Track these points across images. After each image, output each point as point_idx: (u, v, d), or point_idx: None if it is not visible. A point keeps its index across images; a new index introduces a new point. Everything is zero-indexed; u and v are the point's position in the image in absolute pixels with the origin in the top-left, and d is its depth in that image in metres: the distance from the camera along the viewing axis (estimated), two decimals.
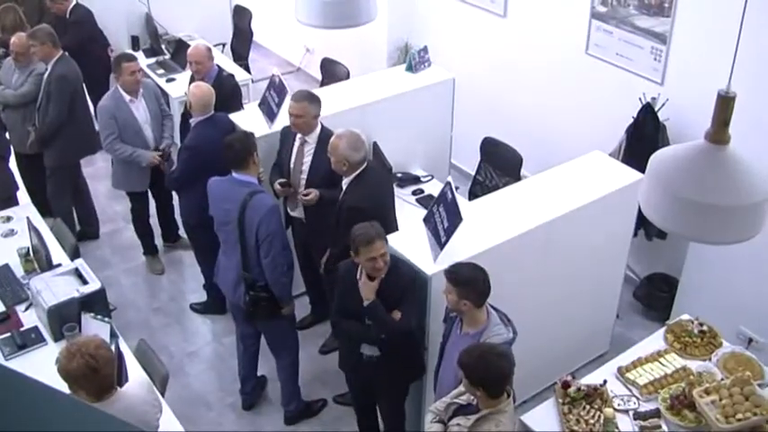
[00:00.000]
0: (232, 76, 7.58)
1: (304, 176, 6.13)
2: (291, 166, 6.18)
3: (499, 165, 7.14)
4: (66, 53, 7.52)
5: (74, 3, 9.07)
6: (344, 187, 5.68)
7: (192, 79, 7.30)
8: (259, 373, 6.41)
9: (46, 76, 7.35)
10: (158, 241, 8.01)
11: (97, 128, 7.29)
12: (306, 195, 6.04)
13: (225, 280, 5.84)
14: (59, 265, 5.89)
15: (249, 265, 5.54)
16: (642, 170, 5.40)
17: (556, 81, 7.66)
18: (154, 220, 7.91)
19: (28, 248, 6.04)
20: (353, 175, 5.64)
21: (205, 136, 6.37)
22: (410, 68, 7.43)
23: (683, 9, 6.31)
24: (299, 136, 6.13)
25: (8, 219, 6.74)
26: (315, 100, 6.10)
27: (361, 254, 4.79)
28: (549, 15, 7.55)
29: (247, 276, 5.55)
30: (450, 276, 4.51)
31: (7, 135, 7.61)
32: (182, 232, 7.74)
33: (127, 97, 7.04)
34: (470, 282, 4.46)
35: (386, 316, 4.85)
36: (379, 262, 4.79)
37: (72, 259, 6.02)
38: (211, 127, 6.44)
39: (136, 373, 4.90)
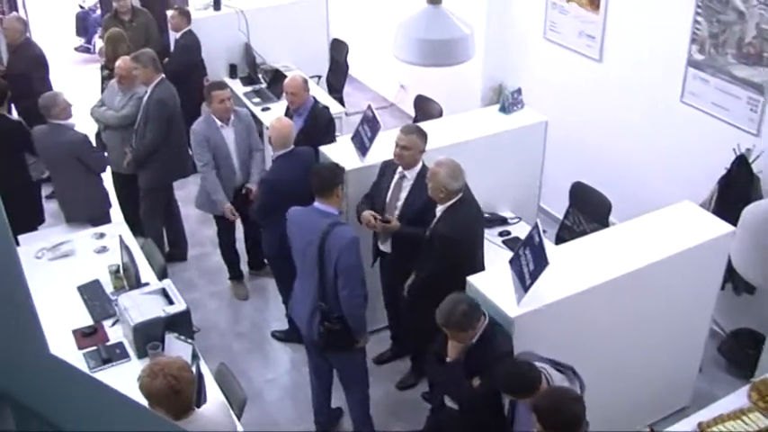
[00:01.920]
0: (327, 108, 7.66)
1: (397, 212, 6.13)
2: (387, 199, 6.17)
3: (588, 210, 7.07)
4: (166, 78, 7.71)
5: (187, 28, 9.32)
6: (438, 214, 5.68)
7: (288, 110, 7.41)
8: (335, 405, 6.41)
9: (145, 99, 7.53)
10: (244, 267, 8.10)
11: (191, 152, 7.44)
12: (387, 221, 6.06)
13: (299, 310, 5.85)
14: (147, 284, 6.01)
15: (325, 296, 5.54)
16: (733, 222, 5.36)
17: (649, 128, 7.57)
18: (241, 246, 8.00)
19: (118, 266, 6.17)
20: (448, 203, 5.64)
21: (285, 170, 6.45)
22: (503, 109, 7.43)
23: None
24: (399, 170, 6.14)
25: (101, 235, 6.90)
26: (423, 135, 6.11)
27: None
28: (645, 61, 7.48)
29: (323, 307, 5.56)
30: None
31: (105, 154, 7.82)
32: None
33: (218, 123, 7.17)
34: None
35: (461, 380, 4.79)
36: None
37: (160, 279, 6.13)
38: (292, 161, 6.51)
39: (214, 396, 4.96)
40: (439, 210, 5.70)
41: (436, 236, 5.61)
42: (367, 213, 6.10)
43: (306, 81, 7.48)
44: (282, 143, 6.55)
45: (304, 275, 5.74)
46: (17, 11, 11.73)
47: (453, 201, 5.63)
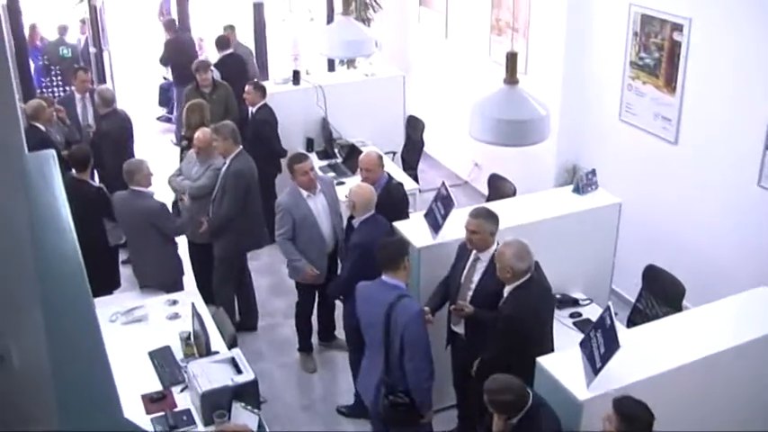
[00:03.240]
0: (401, 184, 7.72)
1: (470, 293, 6.09)
2: (461, 281, 6.14)
3: (661, 294, 6.97)
4: (244, 150, 7.85)
5: (262, 102, 9.51)
6: (505, 295, 5.66)
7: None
8: None
9: (224, 170, 7.67)
10: (314, 339, 8.12)
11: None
12: (461, 309, 6.04)
13: (365, 384, 5.85)
14: (217, 352, 6.06)
15: (391, 369, 5.53)
16: None
17: (724, 211, 7.49)
18: (313, 317, 8.02)
19: (189, 333, 6.24)
20: (516, 284, 5.61)
21: (370, 234, 6.50)
22: (577, 190, 7.40)
23: None
24: (474, 252, 6.13)
25: (174, 302, 7.00)
26: (492, 217, 6.07)
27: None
28: (721, 145, 7.42)
29: (388, 381, 5.54)
30: (618, 409, 4.39)
31: (181, 222, 7.95)
32: (338, 332, 7.82)
33: (305, 193, 7.26)
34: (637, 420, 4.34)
35: None
36: None
37: (229, 348, 6.18)
38: (375, 226, 6.59)
39: None
40: (506, 290, 5.67)
41: (502, 316, 5.58)
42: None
43: (381, 157, 7.56)
44: (366, 208, 6.65)
45: (371, 348, 5.75)
46: (105, 82, 12.13)
47: (521, 281, 5.61)
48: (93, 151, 8.33)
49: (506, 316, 5.54)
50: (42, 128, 8.80)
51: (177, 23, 13.49)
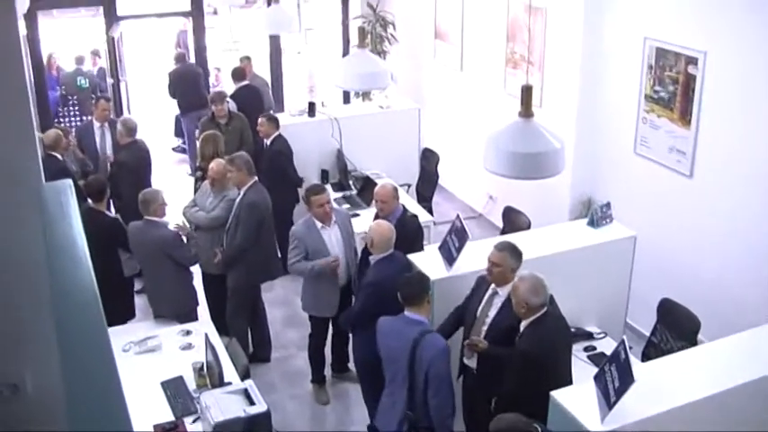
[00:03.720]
0: (415, 216, 7.74)
1: (485, 327, 6.06)
2: (477, 315, 6.12)
3: (676, 328, 6.93)
4: (258, 181, 7.88)
5: (276, 134, 9.55)
6: (521, 330, 5.64)
7: (377, 216, 7.49)
8: None
9: (238, 201, 7.70)
10: (327, 371, 8.10)
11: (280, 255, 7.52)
12: (475, 344, 6.02)
13: (387, 419, 5.80)
14: (230, 383, 6.06)
15: (414, 405, 5.52)
16: None
17: (740, 245, 7.46)
18: (327, 348, 7.99)
19: (203, 364, 6.24)
20: (531, 318, 5.59)
21: (385, 273, 6.47)
22: (592, 223, 7.39)
23: None
24: (492, 286, 6.12)
25: (187, 332, 7.01)
26: (516, 253, 6.06)
27: None
28: (737, 178, 7.41)
29: (411, 416, 5.52)
30: None
31: (194, 252, 7.96)
32: (351, 365, 7.80)
33: (319, 225, 7.28)
34: None
35: None
36: None
37: (242, 379, 6.18)
38: (391, 265, 6.56)
39: None
40: (522, 325, 5.65)
41: (518, 351, 5.56)
42: None
43: (396, 189, 7.58)
44: (384, 246, 6.64)
45: (393, 384, 5.74)
46: (122, 112, 12.24)
47: (536, 316, 5.59)
48: (111, 181, 8.38)
49: (523, 351, 5.51)
50: (60, 157, 8.87)
51: (187, 56, 13.66)
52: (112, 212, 8.24)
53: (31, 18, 12.04)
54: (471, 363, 6.26)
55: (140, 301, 8.52)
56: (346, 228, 7.51)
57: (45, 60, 13.30)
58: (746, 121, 7.28)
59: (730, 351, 5.68)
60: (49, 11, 15.45)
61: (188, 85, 12.71)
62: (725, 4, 7.33)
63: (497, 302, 6.05)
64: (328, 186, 10.08)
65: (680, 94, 7.88)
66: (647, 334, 7.27)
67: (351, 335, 7.18)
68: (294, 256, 7.27)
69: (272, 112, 10.87)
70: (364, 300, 6.63)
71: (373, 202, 7.79)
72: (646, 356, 6.91)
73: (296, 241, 7.26)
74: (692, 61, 7.66)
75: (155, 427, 5.75)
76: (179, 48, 17.12)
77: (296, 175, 9.49)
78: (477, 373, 6.22)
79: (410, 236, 7.19)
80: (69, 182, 2.79)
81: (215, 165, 7.94)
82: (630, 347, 5.03)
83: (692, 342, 6.60)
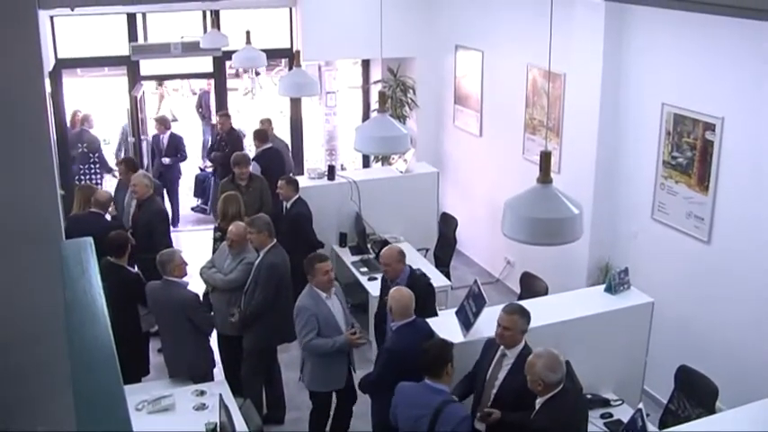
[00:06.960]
0: (424, 275, 7.75)
1: (494, 390, 6.04)
2: (486, 378, 6.10)
3: (693, 395, 6.86)
4: (279, 243, 7.90)
5: (296, 197, 9.61)
6: (537, 407, 5.59)
7: (384, 280, 7.53)
8: None
9: (257, 262, 7.72)
10: None
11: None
12: (487, 415, 5.95)
13: None
14: None
15: None
16: None
17: (758, 312, 7.40)
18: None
19: (216, 425, 6.21)
20: (548, 395, 5.55)
21: (406, 341, 6.41)
22: (609, 289, 7.37)
23: None
24: (500, 348, 6.09)
25: (202, 393, 6.99)
26: (526, 315, 6.07)
27: None
28: (755, 244, 7.38)
29: None
30: None
31: (212, 313, 7.97)
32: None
33: (323, 295, 7.22)
34: None
35: None
36: None
37: None
38: (412, 332, 6.51)
39: None
40: (538, 402, 5.61)
41: (533, 429, 5.51)
42: None
43: (401, 252, 7.60)
44: (403, 313, 6.59)
45: None
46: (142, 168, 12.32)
47: (553, 393, 5.56)
48: (132, 238, 8.49)
49: (540, 429, 5.47)
50: (108, 216, 9.16)
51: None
52: (135, 269, 8.25)
53: (56, 75, 12.25)
54: (482, 427, 6.21)
55: (157, 360, 8.50)
56: (341, 300, 7.47)
57: (69, 117, 13.46)
58: (764, 186, 7.27)
59: (749, 419, 5.63)
60: (74, 69, 15.71)
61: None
62: (742, 70, 7.38)
63: (507, 364, 6.04)
64: (346, 250, 10.13)
65: (698, 159, 7.89)
66: (665, 401, 7.21)
67: (370, 398, 7.06)
68: (308, 332, 7.07)
69: (291, 174, 10.92)
70: (382, 366, 6.57)
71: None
72: (663, 424, 6.84)
73: (308, 316, 7.08)
74: (710, 127, 7.69)
75: None
76: (202, 108, 17.24)
77: (315, 239, 9.51)
78: None
79: (421, 294, 7.11)
80: (90, 239, 2.81)
81: (234, 227, 7.97)
82: (648, 415, 5.00)
83: (711, 410, 6.53)
